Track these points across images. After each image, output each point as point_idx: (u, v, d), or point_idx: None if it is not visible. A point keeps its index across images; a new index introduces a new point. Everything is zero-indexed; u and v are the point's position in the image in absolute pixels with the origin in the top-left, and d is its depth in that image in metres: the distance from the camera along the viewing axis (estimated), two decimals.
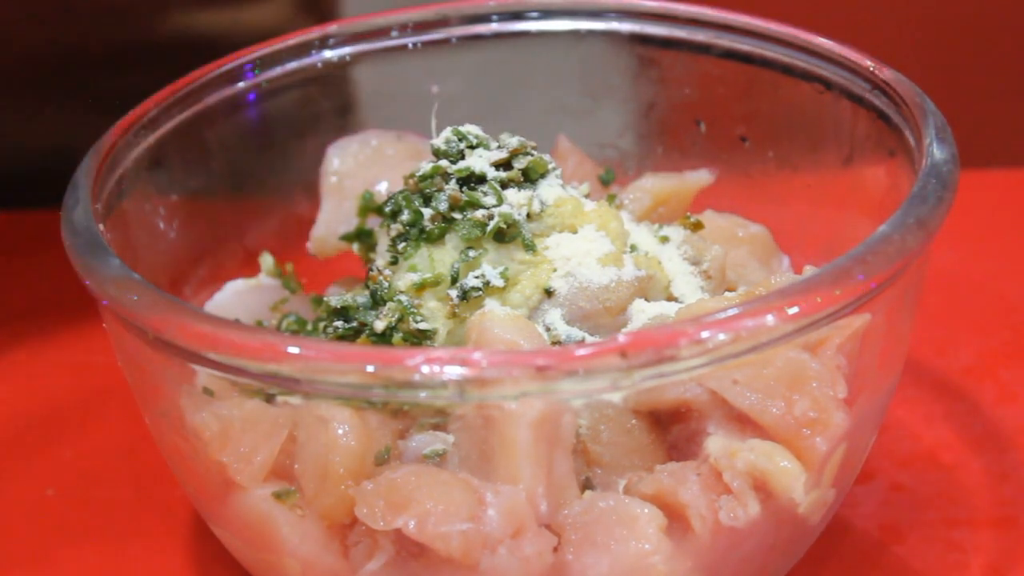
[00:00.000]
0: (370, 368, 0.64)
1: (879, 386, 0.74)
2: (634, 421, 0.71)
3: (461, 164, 0.78)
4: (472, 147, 0.78)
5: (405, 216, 0.77)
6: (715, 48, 0.88)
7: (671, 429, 0.72)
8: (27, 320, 1.03)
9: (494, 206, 0.76)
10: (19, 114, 1.14)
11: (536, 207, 0.77)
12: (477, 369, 0.63)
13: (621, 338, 0.64)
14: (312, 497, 0.70)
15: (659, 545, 0.67)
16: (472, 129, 0.79)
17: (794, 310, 0.65)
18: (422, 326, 0.75)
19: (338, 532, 0.70)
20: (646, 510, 0.68)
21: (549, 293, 0.76)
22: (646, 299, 0.78)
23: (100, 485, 0.89)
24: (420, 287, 0.76)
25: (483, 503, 0.66)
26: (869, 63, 0.81)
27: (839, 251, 0.69)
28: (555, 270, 0.76)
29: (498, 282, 0.75)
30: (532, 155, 0.78)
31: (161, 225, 0.84)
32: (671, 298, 0.79)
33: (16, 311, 1.04)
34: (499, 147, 0.79)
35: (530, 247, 0.76)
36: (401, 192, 0.78)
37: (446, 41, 0.91)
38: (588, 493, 0.70)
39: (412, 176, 0.78)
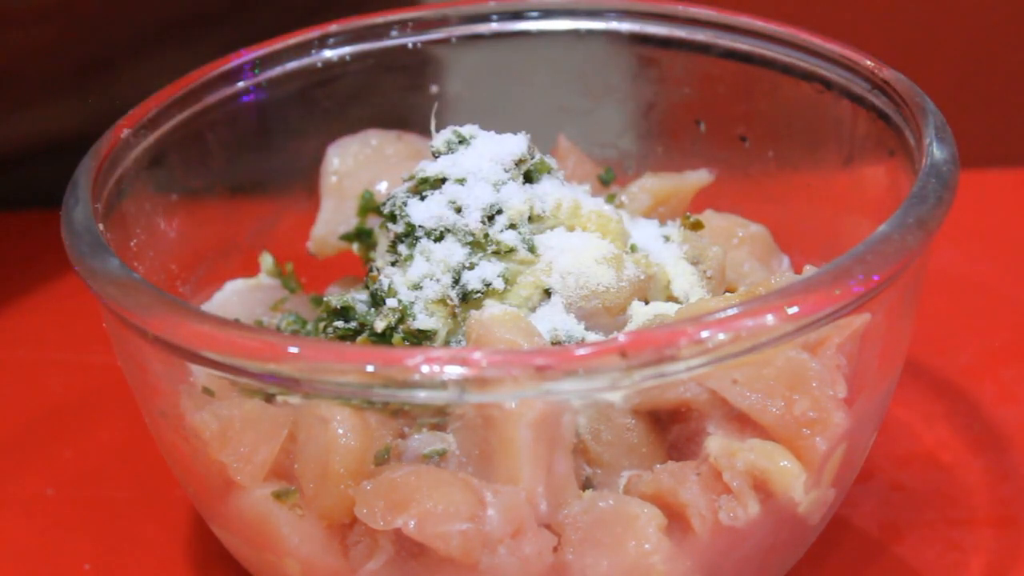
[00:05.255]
0: (370, 368, 0.64)
1: (879, 386, 0.74)
2: (634, 421, 0.71)
3: (461, 165, 0.78)
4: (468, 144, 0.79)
5: (400, 227, 0.77)
6: (715, 48, 0.88)
7: (671, 429, 0.72)
8: (27, 320, 1.03)
9: (496, 209, 0.76)
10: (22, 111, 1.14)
11: (536, 207, 0.77)
12: (477, 369, 0.63)
13: (621, 338, 0.64)
14: (312, 497, 0.70)
15: (659, 545, 0.67)
16: (472, 129, 0.79)
17: (794, 310, 0.65)
18: (422, 326, 0.75)
19: (338, 532, 0.70)
20: (646, 510, 0.68)
21: (549, 293, 0.76)
22: (646, 299, 0.78)
23: (100, 485, 0.89)
24: (420, 287, 0.76)
25: (483, 503, 0.67)
26: (869, 63, 0.81)
27: (839, 251, 0.69)
28: (555, 270, 0.76)
29: (498, 283, 0.75)
30: (535, 157, 0.78)
31: (161, 225, 0.84)
32: (671, 298, 0.79)
33: (16, 311, 1.04)
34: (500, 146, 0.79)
35: (530, 247, 0.76)
36: (397, 197, 0.78)
37: (446, 41, 0.91)
38: (588, 493, 0.70)
39: (411, 178, 0.78)
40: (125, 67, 1.13)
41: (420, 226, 0.77)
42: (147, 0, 1.13)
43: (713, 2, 0.88)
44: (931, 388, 0.92)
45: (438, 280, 0.76)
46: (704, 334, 0.64)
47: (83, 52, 1.12)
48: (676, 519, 0.69)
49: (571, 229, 0.77)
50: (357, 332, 0.76)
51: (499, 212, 0.76)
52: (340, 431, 0.68)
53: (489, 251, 0.76)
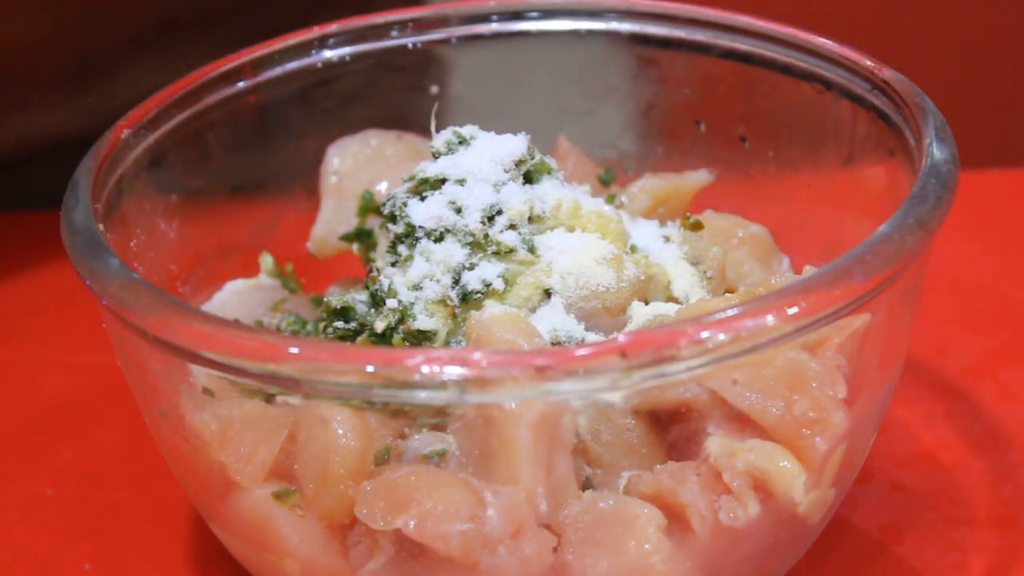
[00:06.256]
0: (370, 368, 0.64)
1: (879, 386, 0.74)
2: (634, 421, 0.71)
3: (461, 165, 0.78)
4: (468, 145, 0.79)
5: (400, 228, 0.77)
6: (715, 48, 0.88)
7: (671, 429, 0.72)
8: (27, 320, 1.03)
9: (496, 209, 0.76)
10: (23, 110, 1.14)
11: (536, 207, 0.77)
12: (477, 369, 0.63)
13: (621, 338, 0.64)
14: (312, 497, 0.70)
15: (659, 545, 0.67)
16: (472, 130, 0.79)
17: (794, 310, 0.65)
18: (422, 326, 0.75)
19: (338, 532, 0.70)
20: (646, 510, 0.68)
21: (549, 294, 0.76)
22: (646, 300, 0.78)
23: (100, 485, 0.89)
24: (420, 287, 0.76)
25: (483, 503, 0.66)
26: (869, 63, 0.81)
27: (839, 251, 0.69)
28: (555, 271, 0.76)
29: (498, 284, 0.75)
30: (535, 157, 0.78)
31: (161, 225, 0.84)
32: (671, 298, 0.79)
33: (16, 311, 1.04)
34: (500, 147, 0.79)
35: (530, 248, 0.76)
36: (397, 197, 0.78)
37: (446, 41, 0.91)
38: (588, 493, 0.70)
39: (412, 178, 0.78)
40: (124, 67, 1.13)
41: (420, 226, 0.77)
42: None
43: (713, 2, 0.88)
44: (931, 388, 0.92)
45: (438, 280, 0.76)
46: (704, 334, 0.64)
47: (81, 51, 1.11)
48: (676, 519, 0.69)
49: (571, 229, 0.77)
50: (357, 332, 0.76)
51: (499, 212, 0.76)
52: (340, 431, 0.68)
53: (489, 251, 0.76)
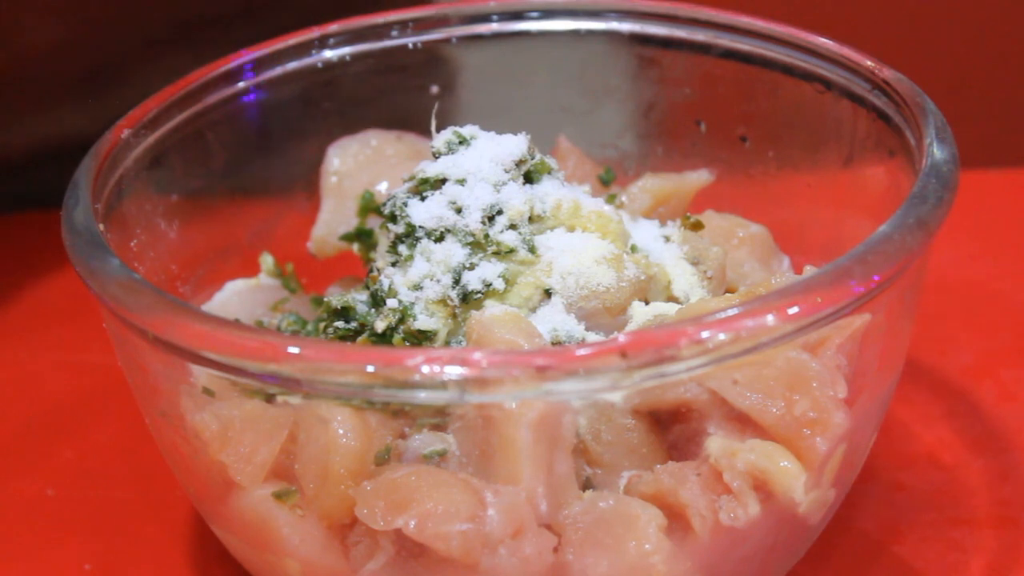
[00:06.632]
0: (370, 368, 0.64)
1: (879, 386, 0.74)
2: (634, 421, 0.71)
3: (461, 165, 0.78)
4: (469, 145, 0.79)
5: (401, 228, 0.77)
6: (715, 48, 0.88)
7: (671, 429, 0.72)
8: (27, 320, 1.03)
9: (496, 209, 0.76)
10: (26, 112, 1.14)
11: (536, 207, 0.77)
12: (477, 369, 0.63)
13: (621, 338, 0.64)
14: (312, 497, 0.70)
15: (659, 545, 0.67)
16: (472, 130, 0.79)
17: (794, 310, 0.65)
18: (422, 326, 0.75)
19: (338, 532, 0.70)
20: (646, 510, 0.68)
21: (549, 293, 0.76)
22: (646, 299, 0.78)
23: (100, 485, 0.89)
24: (420, 287, 0.76)
25: (483, 503, 0.67)
26: (869, 63, 0.81)
27: (839, 251, 0.69)
28: (555, 271, 0.76)
29: (499, 284, 0.75)
30: (535, 157, 0.78)
31: (161, 225, 0.84)
32: (671, 298, 0.79)
33: (16, 311, 1.04)
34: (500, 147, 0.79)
35: (530, 248, 0.76)
36: (397, 197, 0.78)
37: (446, 41, 0.91)
38: (588, 493, 0.70)
39: (412, 178, 0.78)
40: (137, 71, 1.13)
41: (420, 226, 0.77)
42: (156, 3, 1.13)
43: (713, 2, 0.88)
44: (931, 388, 0.92)
45: (438, 280, 0.76)
46: (704, 334, 0.64)
47: (95, 56, 1.12)
48: (676, 519, 0.69)
49: (571, 229, 0.78)
50: (357, 332, 0.76)
51: (499, 212, 0.76)
52: (340, 431, 0.68)
53: (489, 251, 0.76)
